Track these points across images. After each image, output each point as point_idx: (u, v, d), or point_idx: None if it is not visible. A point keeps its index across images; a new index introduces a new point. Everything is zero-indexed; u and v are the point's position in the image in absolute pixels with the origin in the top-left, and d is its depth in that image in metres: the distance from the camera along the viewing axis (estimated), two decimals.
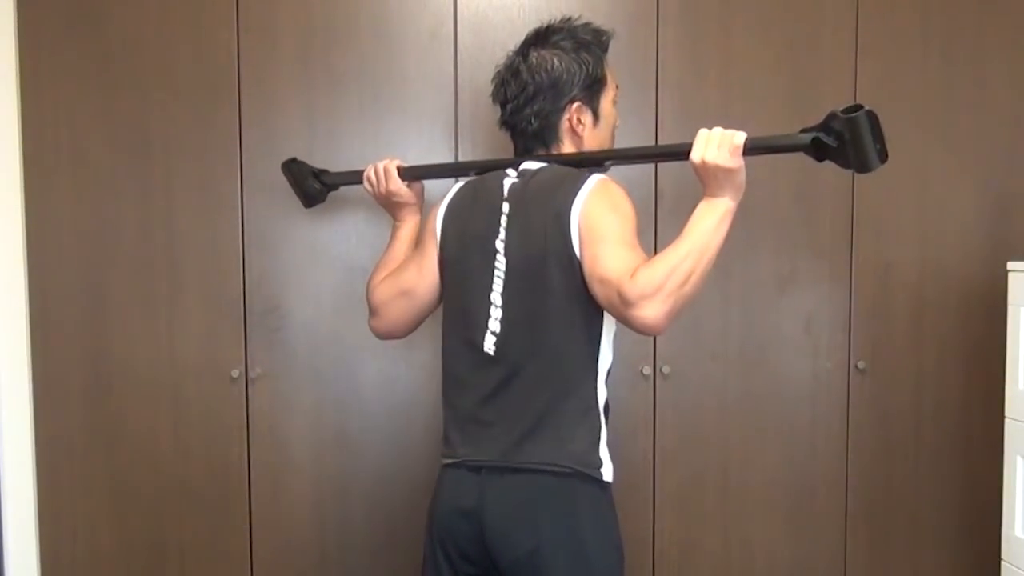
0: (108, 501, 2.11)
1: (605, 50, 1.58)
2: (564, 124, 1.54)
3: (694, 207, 1.39)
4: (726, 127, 1.37)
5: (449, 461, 1.54)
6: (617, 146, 1.66)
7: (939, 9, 2.19)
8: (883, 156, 1.35)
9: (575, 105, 1.53)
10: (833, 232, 2.20)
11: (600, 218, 1.40)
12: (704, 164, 1.35)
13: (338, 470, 2.15)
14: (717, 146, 1.34)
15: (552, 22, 1.57)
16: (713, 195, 1.37)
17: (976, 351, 2.24)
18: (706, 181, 1.37)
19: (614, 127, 1.62)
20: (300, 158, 1.97)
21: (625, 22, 2.09)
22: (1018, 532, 2.04)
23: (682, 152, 1.41)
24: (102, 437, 2.10)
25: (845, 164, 1.39)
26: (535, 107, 1.53)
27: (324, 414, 2.14)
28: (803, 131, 1.41)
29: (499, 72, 1.60)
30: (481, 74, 2.06)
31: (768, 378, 2.21)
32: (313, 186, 1.93)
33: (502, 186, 1.51)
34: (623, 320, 1.36)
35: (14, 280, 2.05)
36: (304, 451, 2.14)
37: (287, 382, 2.12)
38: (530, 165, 1.53)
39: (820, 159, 1.42)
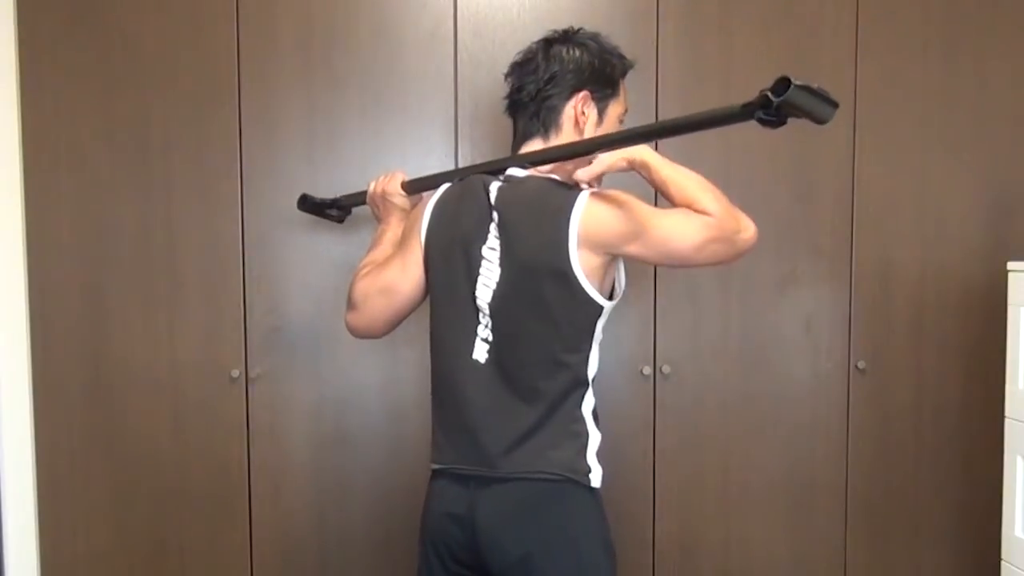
0: (108, 501, 2.11)
1: (623, 73, 1.60)
2: (568, 109, 1.54)
3: None
4: None
5: (437, 467, 1.54)
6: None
7: (939, 9, 2.19)
8: (832, 104, 1.26)
9: (583, 93, 1.54)
10: (833, 232, 2.20)
11: (620, 223, 1.41)
12: (631, 163, 1.43)
13: (338, 470, 2.15)
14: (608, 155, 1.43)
15: (579, 29, 1.59)
16: (649, 166, 1.44)
17: (976, 351, 2.24)
18: (643, 171, 1.44)
19: None
20: (305, 185, 2.01)
21: (625, 21, 2.10)
22: (1018, 532, 2.04)
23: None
24: (102, 437, 2.10)
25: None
26: (547, 85, 1.53)
27: (324, 414, 2.14)
28: (743, 106, 1.28)
29: (519, 55, 1.60)
30: (481, 74, 2.06)
31: (768, 378, 2.21)
32: (331, 213, 2.00)
33: (488, 190, 1.50)
34: (734, 255, 1.39)
35: (14, 280, 2.06)
36: (304, 451, 2.14)
37: (287, 382, 2.12)
38: (515, 172, 1.53)
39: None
